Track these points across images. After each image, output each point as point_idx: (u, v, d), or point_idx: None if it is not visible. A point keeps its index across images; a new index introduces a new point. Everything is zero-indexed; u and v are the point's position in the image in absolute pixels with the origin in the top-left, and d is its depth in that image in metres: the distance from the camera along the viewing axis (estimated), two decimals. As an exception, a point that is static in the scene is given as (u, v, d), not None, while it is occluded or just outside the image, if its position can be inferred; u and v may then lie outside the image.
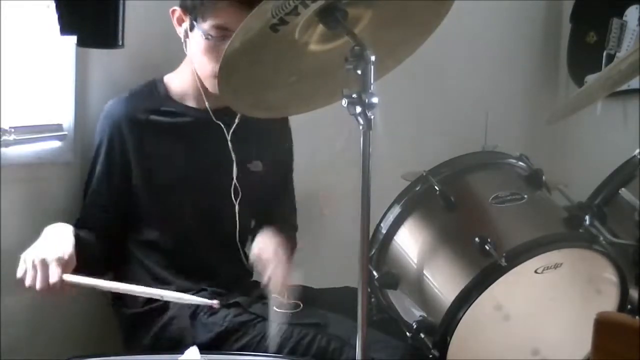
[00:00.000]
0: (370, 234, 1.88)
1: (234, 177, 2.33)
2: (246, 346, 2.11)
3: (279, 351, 2.08)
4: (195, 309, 2.19)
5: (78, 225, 2.21)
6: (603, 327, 1.37)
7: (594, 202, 2.36)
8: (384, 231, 2.10)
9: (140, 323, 2.24)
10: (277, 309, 2.20)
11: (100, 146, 2.27)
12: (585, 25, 3.29)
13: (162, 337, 2.19)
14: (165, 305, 2.20)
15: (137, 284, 2.23)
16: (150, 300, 2.22)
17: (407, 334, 2.01)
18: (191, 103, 2.30)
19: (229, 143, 2.33)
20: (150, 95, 2.31)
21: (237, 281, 2.37)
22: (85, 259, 2.05)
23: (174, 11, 2.24)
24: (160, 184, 2.26)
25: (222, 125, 2.33)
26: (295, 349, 2.10)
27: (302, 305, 2.20)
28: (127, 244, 2.30)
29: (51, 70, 2.31)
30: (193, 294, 2.20)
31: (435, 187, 2.06)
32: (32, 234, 2.31)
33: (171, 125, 2.28)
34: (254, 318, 2.18)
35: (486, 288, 1.94)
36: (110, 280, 2.24)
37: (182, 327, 2.18)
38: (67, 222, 2.35)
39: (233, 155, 2.33)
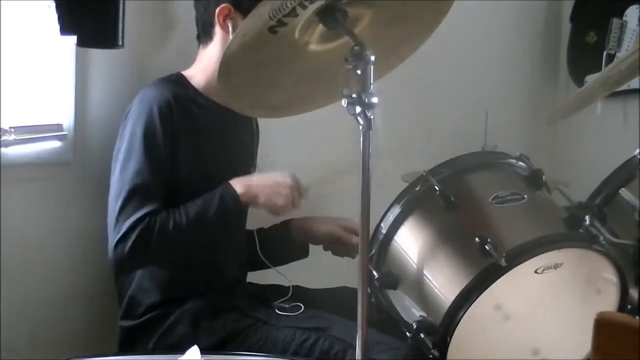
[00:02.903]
0: (370, 234, 1.88)
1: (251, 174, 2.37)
2: (248, 351, 2.10)
3: (281, 355, 2.08)
4: (197, 315, 2.19)
5: (157, 211, 2.12)
6: (603, 327, 1.37)
7: (594, 202, 2.36)
8: (384, 231, 2.10)
9: (139, 334, 2.23)
10: (278, 312, 2.20)
11: (150, 129, 2.16)
12: (585, 25, 3.29)
13: (162, 345, 2.18)
14: (165, 313, 2.20)
15: (135, 291, 2.25)
16: (148, 310, 2.22)
17: (407, 334, 2.01)
18: (217, 99, 2.27)
19: (256, 143, 2.41)
20: (184, 86, 2.28)
21: (237, 283, 2.37)
22: None
23: (222, 9, 2.21)
24: (193, 173, 2.23)
25: (247, 123, 2.37)
26: (298, 352, 2.10)
27: (302, 307, 2.21)
28: None
29: (51, 70, 2.31)
30: (194, 299, 2.21)
31: (435, 187, 2.05)
32: (32, 235, 2.32)
33: (206, 118, 2.26)
34: (256, 322, 2.18)
35: (486, 288, 1.94)
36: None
37: (182, 334, 2.17)
38: (66, 222, 2.36)
39: (254, 154, 2.40)
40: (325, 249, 2.42)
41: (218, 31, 2.24)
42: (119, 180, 2.15)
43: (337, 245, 2.38)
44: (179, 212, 2.13)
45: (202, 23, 2.28)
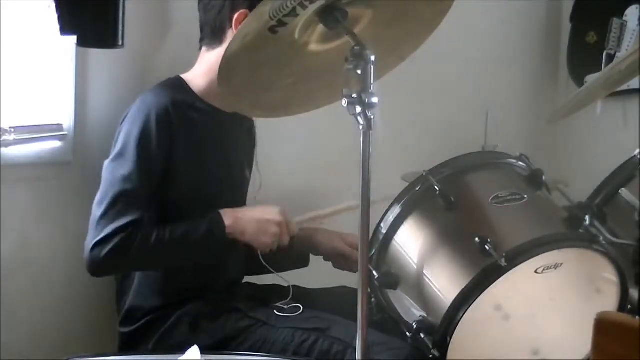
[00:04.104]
0: (371, 234, 1.88)
1: (250, 180, 2.38)
2: (248, 351, 2.10)
3: (280, 355, 2.08)
4: (196, 316, 2.19)
5: (140, 222, 2.11)
6: (603, 327, 1.37)
7: (594, 202, 2.36)
8: (384, 231, 2.10)
9: (139, 337, 2.23)
10: (277, 313, 2.20)
11: (145, 134, 2.15)
12: (585, 25, 3.29)
13: (162, 346, 2.18)
14: (165, 315, 2.20)
15: (135, 298, 2.25)
16: (147, 314, 2.22)
17: (407, 334, 2.01)
18: (216, 104, 2.26)
19: (254, 146, 2.40)
20: (184, 91, 2.26)
21: (236, 284, 2.37)
22: None
23: (241, 14, 2.17)
24: (193, 178, 2.22)
25: (245, 128, 2.37)
26: (297, 352, 2.10)
27: (302, 308, 2.21)
28: None
29: (51, 70, 2.31)
30: (194, 301, 2.22)
31: (435, 187, 2.05)
32: (32, 234, 2.32)
33: (205, 122, 2.25)
34: (255, 323, 2.18)
35: (486, 288, 1.94)
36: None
37: (182, 335, 2.17)
38: (66, 222, 2.35)
39: (255, 158, 2.39)
40: (326, 260, 2.43)
41: (230, 36, 2.20)
42: (107, 182, 2.14)
43: (340, 260, 2.39)
44: (163, 229, 2.13)
45: (212, 27, 2.23)
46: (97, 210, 2.12)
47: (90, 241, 2.10)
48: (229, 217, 2.18)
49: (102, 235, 2.09)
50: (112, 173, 2.14)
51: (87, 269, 2.14)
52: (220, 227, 2.16)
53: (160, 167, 2.16)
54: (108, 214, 2.11)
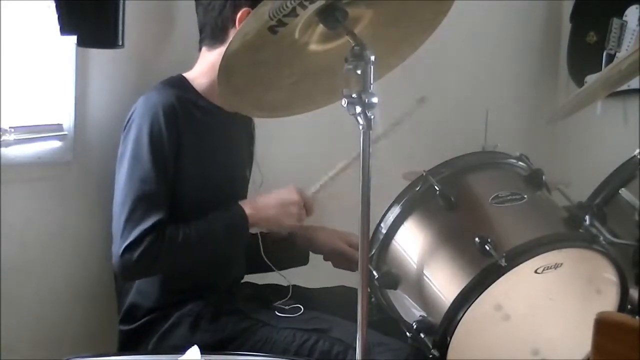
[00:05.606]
0: (371, 234, 1.88)
1: (250, 178, 2.38)
2: (248, 352, 2.10)
3: (281, 355, 2.08)
4: (197, 317, 2.20)
5: (165, 221, 2.12)
6: (603, 327, 1.36)
7: (594, 202, 2.36)
8: (384, 231, 2.10)
9: (139, 336, 2.23)
10: (278, 314, 2.20)
11: (156, 133, 2.15)
12: (585, 25, 3.29)
13: (162, 346, 2.18)
14: (165, 314, 2.21)
15: (136, 296, 2.25)
16: (148, 312, 2.22)
17: (407, 334, 2.01)
18: (218, 102, 2.24)
19: (253, 145, 2.41)
20: (187, 89, 2.26)
21: (237, 285, 2.37)
22: None
23: (244, 12, 2.17)
24: (195, 177, 2.22)
25: (246, 127, 2.38)
26: (298, 353, 2.10)
27: (302, 309, 2.21)
28: None
29: (51, 70, 2.31)
30: (194, 301, 2.22)
31: (435, 187, 2.06)
32: (32, 235, 2.32)
33: (207, 121, 2.25)
34: (256, 323, 2.18)
35: (486, 288, 1.94)
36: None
37: (182, 335, 2.17)
38: (66, 222, 2.35)
39: (254, 156, 2.40)
40: (326, 259, 2.43)
41: (232, 35, 2.17)
42: (125, 186, 2.13)
43: (339, 259, 2.40)
44: (188, 227, 2.14)
45: (212, 27, 2.23)
46: (119, 215, 2.12)
47: (118, 247, 2.09)
48: (249, 207, 2.21)
49: (130, 239, 2.08)
50: (129, 176, 2.14)
51: (118, 274, 2.17)
52: (243, 217, 2.18)
53: (172, 165, 2.17)
54: (132, 218, 2.10)
